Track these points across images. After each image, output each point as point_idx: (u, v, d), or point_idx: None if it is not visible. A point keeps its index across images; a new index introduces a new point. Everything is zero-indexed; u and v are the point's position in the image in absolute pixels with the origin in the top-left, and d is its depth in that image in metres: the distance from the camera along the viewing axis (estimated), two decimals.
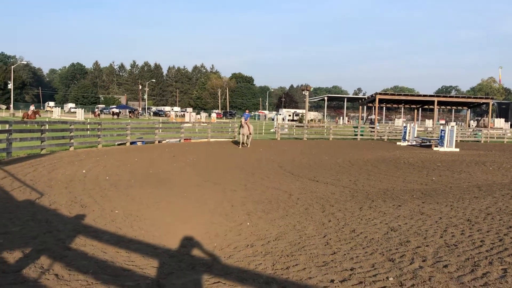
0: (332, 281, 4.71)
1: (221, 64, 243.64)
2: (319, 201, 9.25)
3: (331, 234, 6.66)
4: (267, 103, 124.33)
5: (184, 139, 26.04)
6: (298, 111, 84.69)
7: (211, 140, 27.23)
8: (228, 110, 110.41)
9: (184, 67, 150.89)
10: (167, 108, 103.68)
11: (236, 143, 25.34)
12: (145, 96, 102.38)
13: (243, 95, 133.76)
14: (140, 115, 79.26)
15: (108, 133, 21.97)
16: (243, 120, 23.53)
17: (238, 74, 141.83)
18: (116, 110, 71.24)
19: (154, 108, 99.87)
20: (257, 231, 6.78)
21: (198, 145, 24.14)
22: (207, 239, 6.37)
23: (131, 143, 22.54)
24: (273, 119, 68.45)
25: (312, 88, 53.56)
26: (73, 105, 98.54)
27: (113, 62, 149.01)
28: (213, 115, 73.05)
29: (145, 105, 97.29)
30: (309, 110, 65.79)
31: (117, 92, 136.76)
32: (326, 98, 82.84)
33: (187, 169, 14.14)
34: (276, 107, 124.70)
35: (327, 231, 6.84)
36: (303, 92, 38.47)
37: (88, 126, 23.88)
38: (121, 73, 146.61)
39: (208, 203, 8.88)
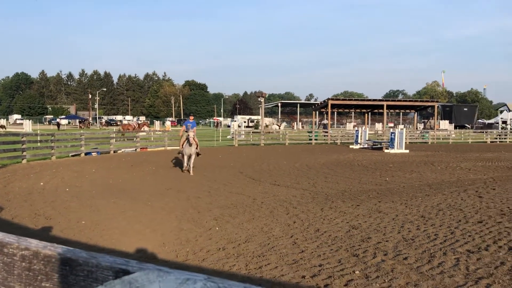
0: (303, 277, 5.02)
1: (174, 71, 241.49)
2: (283, 204, 9.58)
3: (297, 234, 6.98)
4: (222, 110, 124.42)
5: (141, 148, 25.77)
6: (253, 117, 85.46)
7: (169, 148, 27.10)
8: (182, 118, 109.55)
9: (135, 75, 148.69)
10: (119, 117, 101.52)
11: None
12: (96, 106, 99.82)
13: (197, 102, 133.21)
14: (91, 124, 77.16)
15: (61, 144, 21.41)
16: (185, 131, 15.51)
17: (192, 81, 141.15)
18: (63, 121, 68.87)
19: (105, 117, 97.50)
20: (226, 235, 7.00)
21: (155, 154, 23.97)
22: (179, 245, 6.52)
23: (86, 153, 22.07)
24: (229, 126, 68.74)
25: (267, 95, 54.32)
26: (19, 116, 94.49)
27: (60, 71, 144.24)
28: (168, 123, 72.36)
29: (95, 115, 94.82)
30: (264, 116, 66.59)
31: (66, 102, 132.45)
32: (280, 104, 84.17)
33: (148, 178, 14.11)
34: (231, 113, 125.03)
35: (293, 231, 7.17)
36: (259, 99, 39.02)
37: (39, 138, 23.22)
38: (69, 83, 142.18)
39: (174, 211, 8.99)
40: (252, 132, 37.88)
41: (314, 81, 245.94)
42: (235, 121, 72.79)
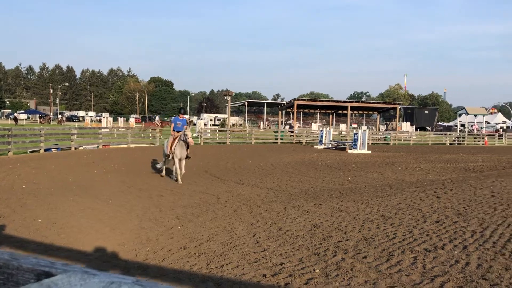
0: (264, 275, 5.01)
1: (139, 67, 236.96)
2: (246, 203, 9.57)
3: (260, 233, 6.98)
4: (188, 108, 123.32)
5: (103, 145, 25.19)
6: (219, 116, 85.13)
7: (132, 145, 26.61)
8: (147, 114, 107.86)
9: (99, 70, 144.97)
10: (81, 113, 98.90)
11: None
12: (57, 101, 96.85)
13: (162, 100, 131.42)
14: (52, 120, 74.83)
15: (19, 139, 20.63)
16: (174, 131, 13.47)
17: (157, 78, 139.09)
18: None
19: (67, 113, 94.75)
20: (188, 234, 6.92)
21: (118, 151, 23.47)
22: (139, 244, 6.39)
23: (46, 150, 21.37)
24: (194, 124, 68.22)
25: (233, 93, 54.20)
26: None
27: (19, 64, 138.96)
28: (132, 120, 71.03)
29: (57, 110, 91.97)
30: (230, 115, 66.45)
31: (25, 96, 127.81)
32: (246, 103, 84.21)
33: (109, 175, 13.79)
34: (197, 111, 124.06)
35: (256, 230, 7.16)
36: (225, 97, 38.91)
37: None
38: (29, 76, 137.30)
39: (135, 209, 8.82)
40: (218, 131, 37.73)
41: (281, 81, 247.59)
42: (201, 119, 72.36)
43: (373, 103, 59.25)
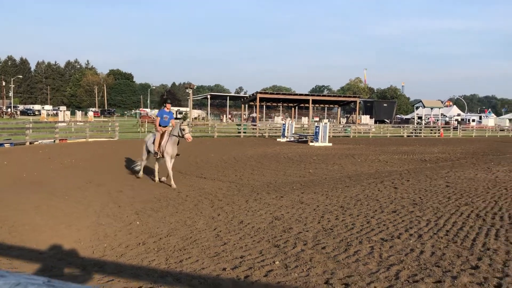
0: (224, 269, 4.99)
1: (97, 60, 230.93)
2: (208, 197, 9.51)
3: (221, 226, 6.96)
4: (148, 101, 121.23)
5: (60, 140, 24.38)
6: (181, 109, 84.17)
7: (90, 140, 25.90)
8: (106, 108, 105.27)
9: (55, 62, 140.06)
10: (37, 107, 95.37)
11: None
12: (10, 94, 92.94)
13: (122, 93, 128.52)
14: (5, 114, 71.75)
15: None
16: (160, 125, 11.81)
17: (117, 70, 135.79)
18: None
19: (21, 107, 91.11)
20: (148, 229, 6.81)
21: (75, 145, 22.78)
22: (96, 241, 6.24)
23: None
24: (185, 118, 67.18)
25: (195, 86, 53.72)
26: None
27: None
28: (90, 113, 69.15)
29: (10, 103, 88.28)
30: (192, 108, 65.81)
31: None
32: (209, 96, 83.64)
33: (66, 171, 13.37)
34: (159, 105, 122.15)
35: (217, 224, 7.13)
36: (187, 90, 38.45)
37: None
38: None
39: (93, 205, 8.60)
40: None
41: (244, 74, 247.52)
42: None
43: (334, 96, 60.19)
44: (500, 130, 55.73)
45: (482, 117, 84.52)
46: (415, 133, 43.87)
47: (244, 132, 36.15)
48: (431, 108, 73.68)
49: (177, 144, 11.44)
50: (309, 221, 7.37)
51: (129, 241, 6.22)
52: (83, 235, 6.53)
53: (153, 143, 11.59)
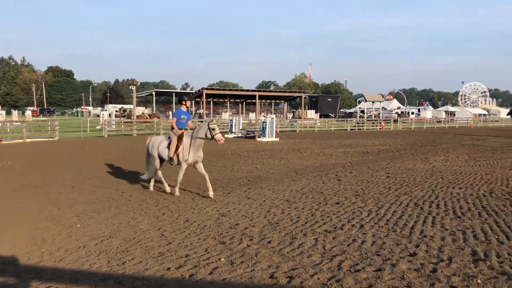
0: (169, 269, 4.90)
1: (34, 56, 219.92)
2: (153, 196, 9.31)
3: (166, 226, 6.83)
4: (90, 99, 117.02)
5: None
6: (125, 106, 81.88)
7: (28, 140, 24.63)
8: (45, 107, 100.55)
9: None
10: None
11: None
12: None
13: (62, 90, 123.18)
14: None
15: None
16: (175, 125, 9.84)
17: (56, 67, 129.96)
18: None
19: None
20: (89, 232, 6.55)
21: (11, 147, 21.58)
22: (33, 246, 5.92)
23: None
24: (98, 116, 64.98)
25: (139, 83, 52.38)
26: None
27: None
28: (28, 112, 65.84)
29: None
30: (137, 105, 64.27)
31: None
32: (154, 93, 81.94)
33: (1, 174, 12.62)
34: (101, 102, 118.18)
35: (162, 223, 6.99)
36: (130, 87, 37.43)
37: None
38: None
39: (30, 209, 8.16)
40: (124, 122, 36.30)
41: (190, 71, 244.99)
42: (106, 110, 69.16)
43: (280, 91, 60.92)
44: (437, 122, 58.67)
45: (421, 109, 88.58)
46: (358, 126, 45.24)
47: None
48: (373, 102, 76.25)
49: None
50: (255, 216, 7.40)
51: (69, 244, 5.95)
52: (19, 240, 6.17)
53: (168, 147, 9.64)
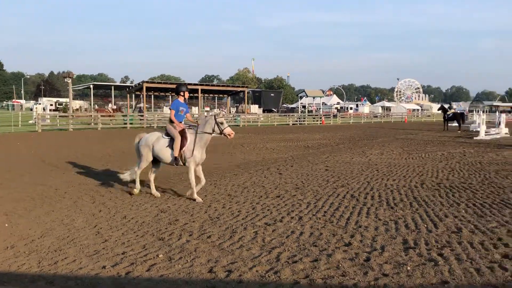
0: (104, 267, 4.75)
1: None
2: (89, 193, 8.97)
3: (102, 223, 6.61)
4: (22, 92, 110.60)
5: None
6: (61, 100, 78.22)
7: None
8: None
9: None
10: None
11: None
12: None
13: None
14: None
15: None
16: (174, 119, 8.63)
17: None
18: None
19: None
20: (18, 231, 6.20)
21: None
22: None
23: None
24: (31, 109, 61.64)
25: (75, 75, 50.25)
26: None
27: None
28: None
29: None
30: (74, 99, 61.63)
31: None
32: (92, 86, 78.88)
33: None
34: (35, 95, 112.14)
35: (98, 221, 6.76)
36: (66, 80, 35.79)
37: None
38: None
39: None
40: (59, 116, 34.68)
41: (130, 63, 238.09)
42: (40, 103, 65.77)
43: (223, 86, 60.72)
44: (374, 116, 61.01)
45: (359, 105, 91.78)
46: (299, 121, 46.11)
47: (131, 124, 34.83)
48: (314, 97, 78.01)
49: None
50: (196, 211, 7.34)
51: None
52: None
53: (170, 146, 8.36)
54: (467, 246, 5.40)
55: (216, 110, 52.75)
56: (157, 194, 8.63)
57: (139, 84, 43.63)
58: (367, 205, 7.77)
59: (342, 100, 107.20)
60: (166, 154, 8.38)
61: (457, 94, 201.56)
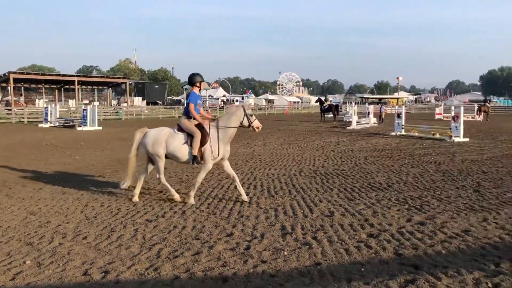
0: None
1: None
2: None
3: None
4: None
5: None
6: None
7: None
8: None
9: None
10: None
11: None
12: None
13: None
14: None
15: None
16: (196, 114, 7.60)
17: None
18: None
19: None
20: None
21: None
22: None
23: None
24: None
25: None
26: None
27: None
28: None
29: None
30: None
31: None
32: None
33: None
34: None
35: None
36: None
37: None
38: None
39: None
40: None
41: None
42: None
43: (102, 77, 57.68)
44: (258, 109, 62.84)
45: (244, 97, 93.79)
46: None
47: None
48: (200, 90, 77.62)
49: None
50: (70, 211, 6.86)
51: None
52: None
53: (188, 143, 7.40)
54: (338, 228, 5.83)
55: (96, 103, 49.86)
56: (137, 199, 7.58)
57: (4, 75, 39.40)
58: (249, 194, 7.97)
59: (228, 93, 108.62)
60: (183, 153, 7.45)
61: (333, 87, 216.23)
